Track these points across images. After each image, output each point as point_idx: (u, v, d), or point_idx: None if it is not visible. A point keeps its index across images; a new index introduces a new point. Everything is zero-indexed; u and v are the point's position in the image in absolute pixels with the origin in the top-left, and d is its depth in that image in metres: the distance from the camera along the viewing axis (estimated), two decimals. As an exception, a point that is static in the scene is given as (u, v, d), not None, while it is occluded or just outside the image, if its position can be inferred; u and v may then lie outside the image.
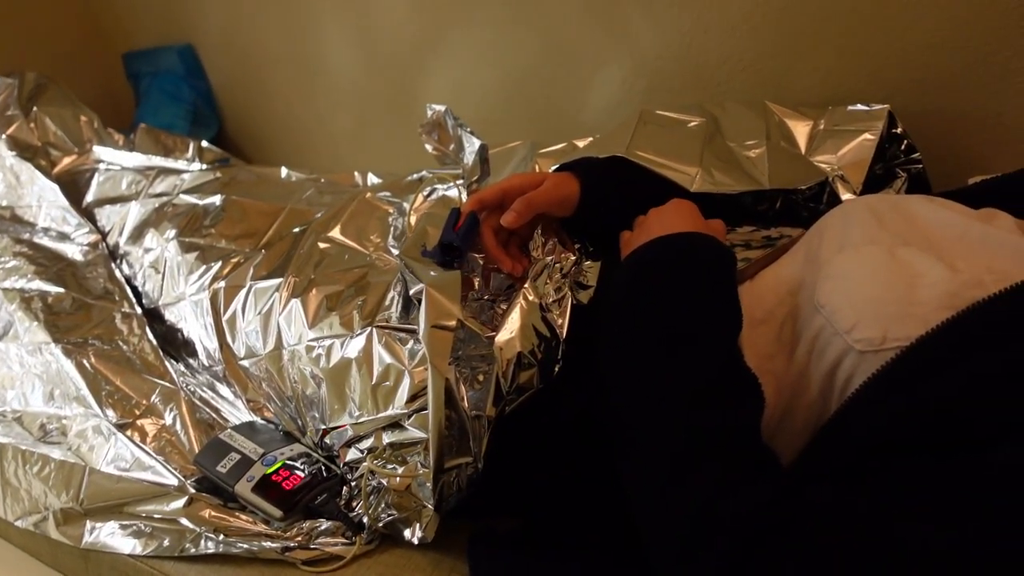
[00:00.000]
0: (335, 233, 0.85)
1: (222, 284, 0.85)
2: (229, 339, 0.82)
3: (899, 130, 0.88)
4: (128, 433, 0.80)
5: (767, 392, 0.57)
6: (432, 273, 0.64)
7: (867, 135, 0.86)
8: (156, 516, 0.73)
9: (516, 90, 1.22)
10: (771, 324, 0.59)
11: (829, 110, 0.92)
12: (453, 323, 0.59)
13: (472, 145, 0.86)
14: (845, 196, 0.84)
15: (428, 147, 0.97)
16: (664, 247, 0.59)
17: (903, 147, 0.89)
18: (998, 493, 0.40)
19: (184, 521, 0.71)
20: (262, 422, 0.83)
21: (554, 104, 1.19)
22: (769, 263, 0.67)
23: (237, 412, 0.85)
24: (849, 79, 0.96)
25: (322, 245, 0.84)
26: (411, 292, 0.65)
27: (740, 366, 0.54)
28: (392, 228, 0.86)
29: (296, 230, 0.89)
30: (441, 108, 0.93)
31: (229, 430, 0.79)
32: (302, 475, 0.74)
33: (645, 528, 0.50)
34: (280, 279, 0.80)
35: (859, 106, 0.90)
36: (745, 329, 0.60)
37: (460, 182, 0.80)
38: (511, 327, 0.61)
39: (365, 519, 0.68)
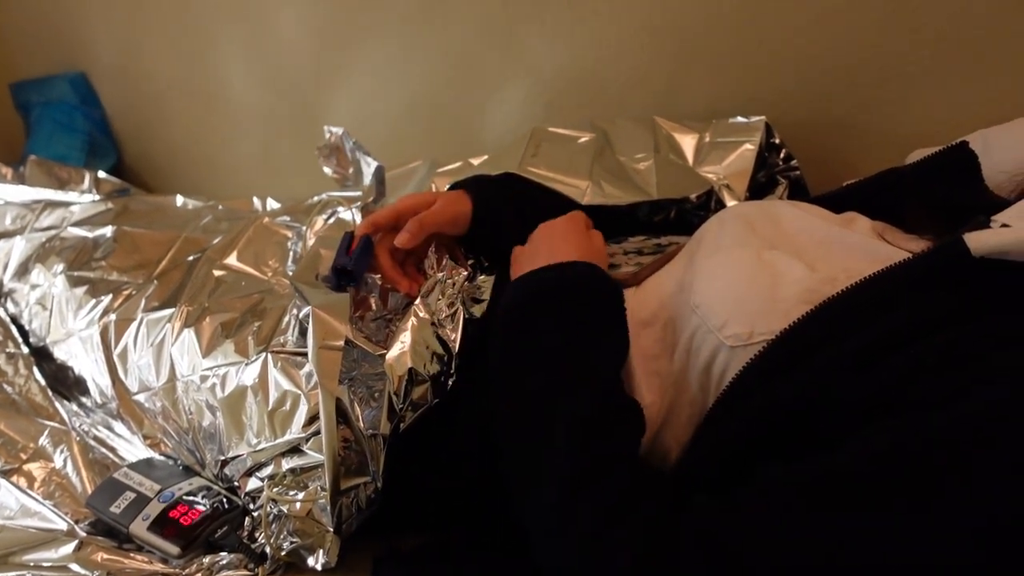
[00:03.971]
0: (231, 260, 0.84)
1: (112, 317, 0.82)
2: (121, 374, 0.80)
3: (777, 140, 0.94)
4: (13, 479, 0.76)
5: (652, 392, 0.60)
6: (321, 295, 0.64)
7: (748, 145, 0.91)
8: (45, 564, 0.69)
9: (419, 110, 1.23)
10: (655, 326, 0.62)
11: (713, 123, 0.96)
12: (340, 342, 0.59)
13: (369, 167, 0.86)
14: (731, 203, 0.88)
15: (327, 170, 0.97)
16: (550, 280, 0.61)
17: (782, 155, 0.94)
18: (853, 491, 0.42)
19: (75, 567, 0.68)
20: (160, 458, 0.80)
21: (457, 123, 1.20)
22: (657, 268, 0.70)
23: (134, 449, 0.82)
24: (731, 93, 1.01)
25: (217, 273, 0.82)
26: (300, 316, 0.64)
27: (620, 395, 0.56)
28: (291, 252, 0.86)
29: (190, 258, 0.87)
30: (339, 131, 0.93)
31: (124, 468, 0.76)
32: (202, 509, 0.72)
33: (540, 554, 0.51)
34: (172, 309, 0.78)
35: (739, 118, 0.95)
36: (633, 331, 0.62)
37: (355, 205, 0.80)
38: (402, 344, 0.62)
39: (268, 549, 0.66)
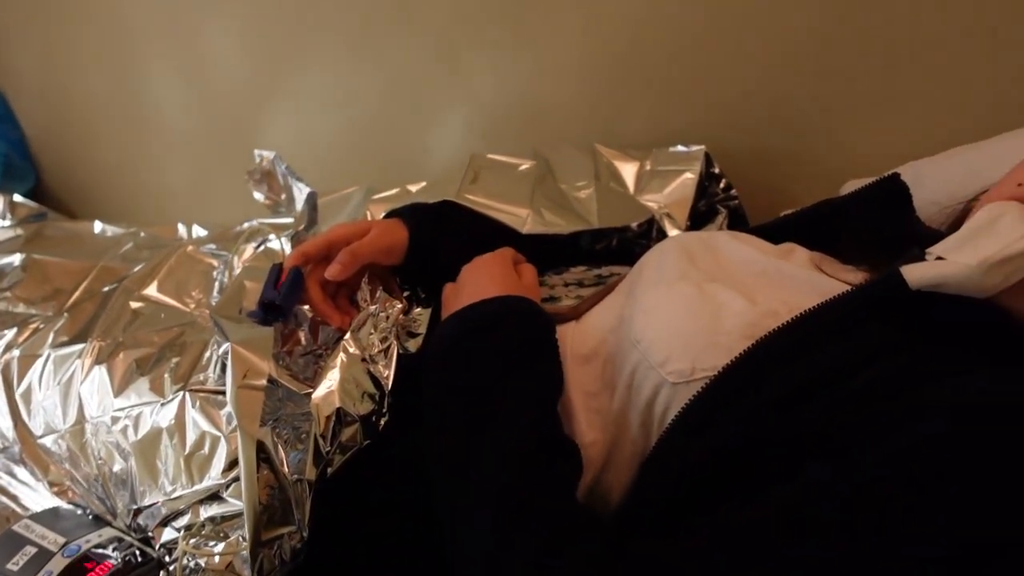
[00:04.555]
0: (150, 291, 0.79)
1: (16, 353, 0.75)
2: (25, 415, 0.73)
3: (716, 169, 0.94)
4: (-102, 534, 0.69)
5: (594, 430, 0.58)
6: (242, 330, 0.60)
7: (688, 174, 0.91)
8: (-70, 630, 0.62)
9: (357, 135, 1.20)
10: (595, 362, 0.60)
11: (654, 152, 0.96)
12: (262, 381, 0.56)
13: (301, 192, 0.83)
14: (672, 232, 0.88)
15: (258, 196, 0.93)
16: (472, 319, 0.59)
17: (722, 185, 0.95)
18: (797, 534, 0.41)
19: (-36, 633, 0.61)
20: (67, 507, 0.74)
21: (395, 149, 1.18)
22: (597, 301, 0.69)
23: (38, 497, 0.75)
24: (672, 122, 1.02)
25: (134, 304, 0.77)
26: (220, 352, 0.60)
27: (556, 435, 0.54)
28: (216, 283, 0.81)
29: (105, 289, 0.81)
30: (270, 154, 0.89)
31: (26, 520, 0.70)
32: (112, 563, 0.66)
33: None
34: (83, 344, 0.72)
35: (680, 147, 0.95)
36: (572, 368, 0.60)
37: (285, 234, 0.76)
38: (330, 382, 0.58)
39: (183, 606, 0.61)
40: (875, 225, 0.64)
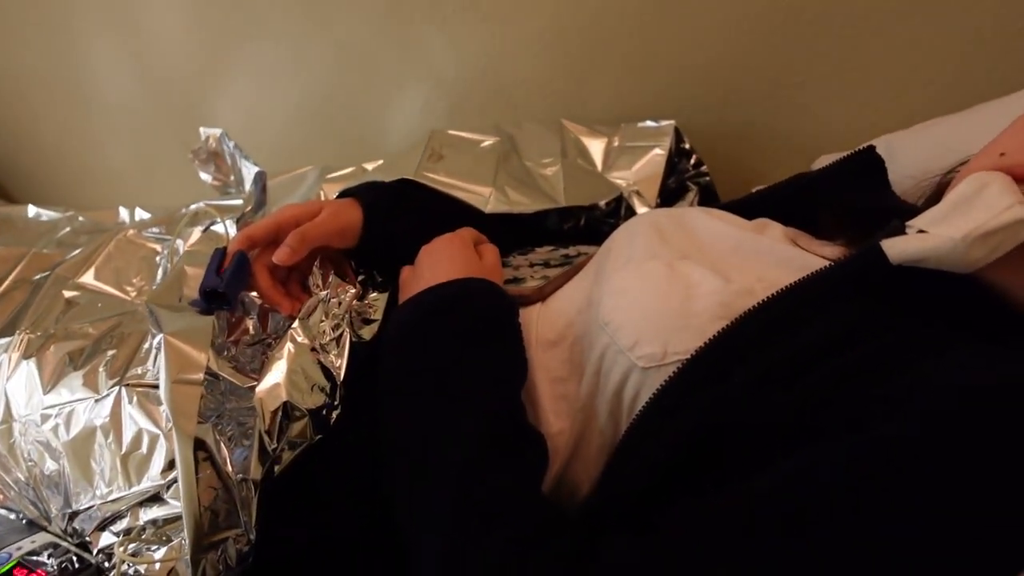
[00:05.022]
0: (87, 279, 0.73)
1: (-62, 348, 0.70)
2: (-52, 415, 0.68)
3: (687, 145, 0.91)
4: None
5: (560, 418, 0.55)
6: (179, 320, 0.55)
7: (657, 150, 0.88)
8: None
9: (311, 112, 1.15)
10: (562, 346, 0.57)
11: (622, 127, 0.93)
12: (199, 375, 0.51)
13: (249, 172, 0.78)
14: (641, 210, 0.85)
15: (205, 176, 0.88)
16: (430, 302, 0.55)
17: (692, 161, 0.92)
18: (776, 524, 0.38)
19: None
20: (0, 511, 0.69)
21: (354, 126, 1.13)
22: (564, 282, 0.65)
23: (-33, 502, 0.70)
24: (639, 97, 0.99)
25: (68, 293, 0.71)
26: (154, 344, 0.56)
27: (519, 421, 0.51)
28: (160, 269, 0.76)
29: (37, 278, 0.76)
30: (216, 132, 0.84)
31: (-48, 526, 0.65)
32: (47, 570, 0.61)
33: None
34: (10, 338, 0.67)
35: (648, 123, 0.92)
36: (538, 352, 0.57)
37: (230, 217, 0.71)
38: (275, 375, 0.54)
39: (123, 616, 0.57)
40: (850, 199, 0.62)
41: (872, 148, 0.65)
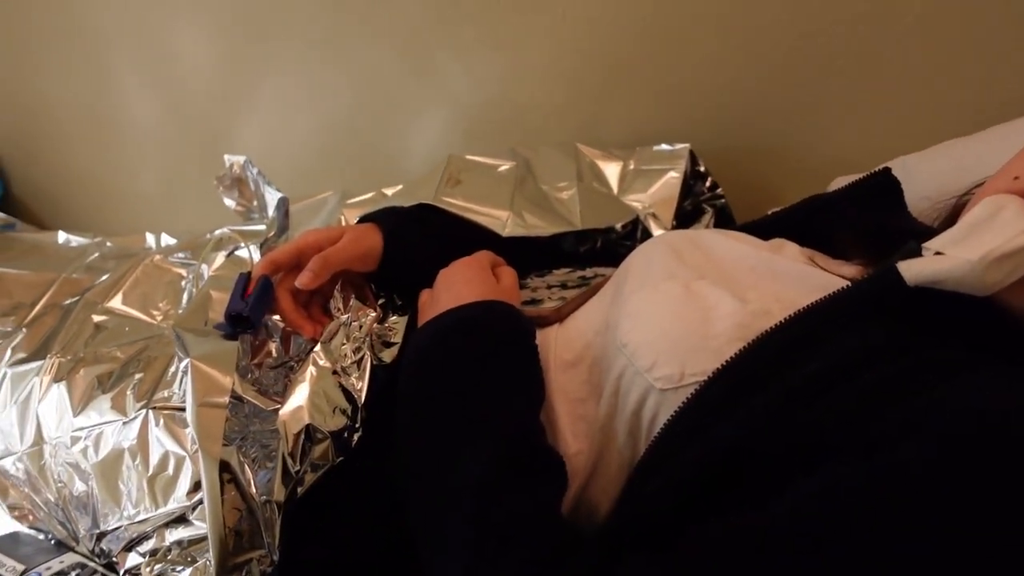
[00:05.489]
0: (115, 303, 0.75)
1: (-29, 372, 0.72)
2: (-19, 437, 0.70)
3: (702, 168, 0.92)
4: None
5: (579, 439, 0.55)
6: (204, 344, 0.57)
7: (672, 173, 0.89)
8: None
9: (332, 139, 1.17)
10: (580, 367, 0.57)
11: (637, 150, 0.94)
12: (225, 399, 0.52)
13: (273, 198, 0.80)
14: (657, 232, 0.85)
15: (229, 202, 0.90)
16: (448, 325, 0.56)
17: (708, 184, 0.93)
18: (797, 548, 0.39)
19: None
20: (28, 531, 0.70)
21: (374, 152, 1.15)
22: (582, 303, 0.66)
23: (-2, 522, 0.72)
24: (654, 120, 1.00)
25: (97, 318, 0.73)
26: (180, 368, 0.57)
27: (537, 443, 0.51)
28: (185, 294, 0.78)
29: (67, 303, 0.78)
30: (240, 159, 0.86)
31: (-17, 547, 0.66)
32: (74, 591, 0.63)
33: None
34: (41, 361, 0.69)
35: (664, 146, 0.93)
36: (556, 373, 0.58)
37: (254, 242, 0.73)
38: (298, 397, 0.55)
39: (148, 636, 0.58)
40: (866, 220, 0.62)
41: (888, 170, 0.65)
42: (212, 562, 0.51)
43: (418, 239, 0.70)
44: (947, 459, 0.38)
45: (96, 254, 0.89)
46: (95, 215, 1.47)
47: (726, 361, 0.47)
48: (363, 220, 0.71)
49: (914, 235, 0.50)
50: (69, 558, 0.66)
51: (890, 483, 0.38)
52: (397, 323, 0.65)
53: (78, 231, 1.01)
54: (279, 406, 0.55)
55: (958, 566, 0.36)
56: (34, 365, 0.69)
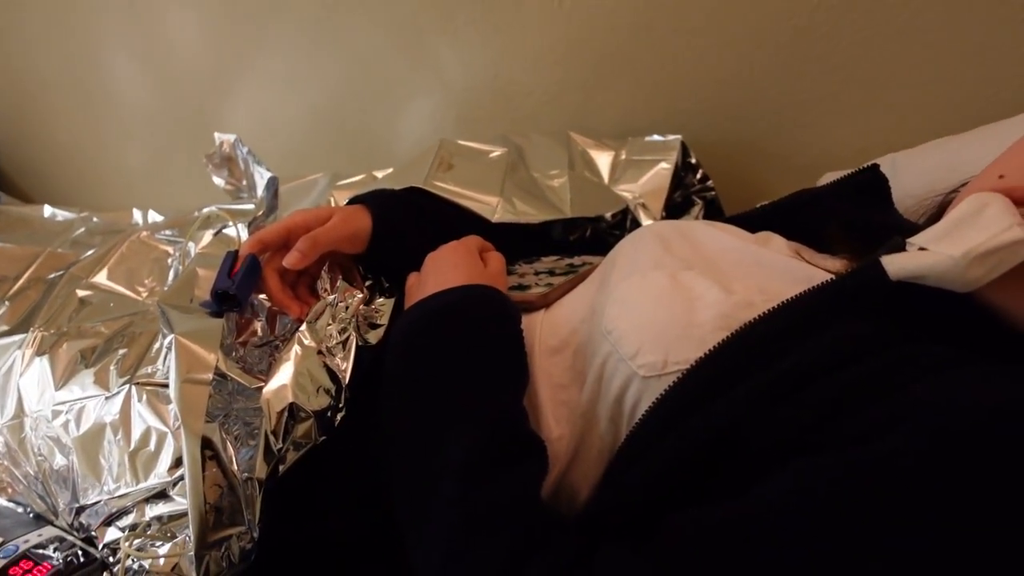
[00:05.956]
0: (100, 279, 0.75)
1: (-48, 344, 0.71)
2: (-39, 409, 0.69)
3: (693, 159, 0.92)
4: None
5: (561, 424, 0.55)
6: (190, 321, 0.56)
7: (663, 164, 0.89)
8: None
9: (323, 119, 1.16)
10: (565, 353, 0.57)
11: (629, 140, 0.94)
12: (208, 375, 0.52)
13: (262, 178, 0.79)
14: (646, 222, 0.86)
15: (218, 181, 0.89)
16: (434, 309, 0.56)
17: (698, 176, 0.93)
18: (774, 538, 0.39)
19: None
20: (7, 504, 0.70)
21: (364, 135, 1.14)
22: (569, 290, 0.66)
23: (-24, 495, 0.71)
24: (646, 111, 1.00)
25: (82, 293, 0.73)
26: (165, 344, 0.57)
27: (520, 427, 0.51)
28: (172, 271, 0.77)
29: (51, 277, 0.77)
30: (230, 138, 0.85)
31: (-39, 519, 0.66)
32: (52, 564, 0.62)
33: None
34: (24, 335, 0.68)
35: (655, 137, 0.93)
36: (540, 359, 0.58)
37: (242, 221, 0.72)
38: (282, 376, 0.55)
39: (126, 610, 0.58)
40: (853, 216, 0.62)
41: (876, 166, 0.66)
42: (192, 537, 0.52)
43: (407, 222, 0.70)
44: (939, 453, 0.38)
45: (82, 229, 0.88)
46: (81, 190, 1.46)
47: (709, 350, 0.48)
48: (353, 201, 0.71)
49: (899, 231, 0.50)
50: (47, 531, 0.66)
51: (878, 475, 0.38)
52: (384, 305, 0.65)
53: (64, 206, 1.00)
54: (263, 384, 0.55)
55: (949, 561, 0.36)
56: (16, 338, 0.69)
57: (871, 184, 0.65)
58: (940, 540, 0.36)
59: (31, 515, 0.69)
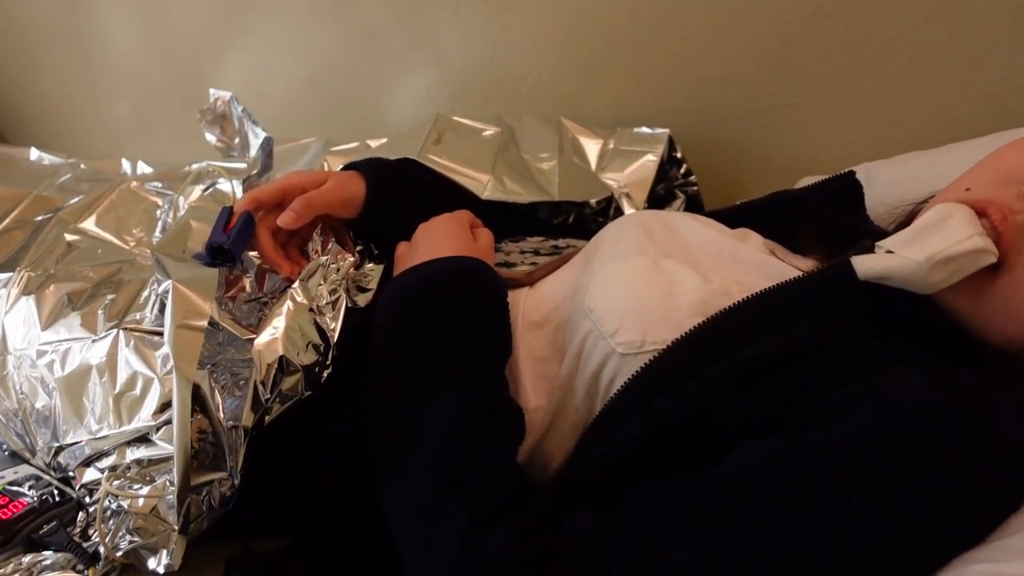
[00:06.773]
0: (88, 224, 0.75)
1: (-64, 279, 0.71)
2: (-58, 344, 0.69)
3: (678, 154, 0.95)
4: None
5: (539, 395, 0.58)
6: (186, 269, 0.58)
7: (650, 156, 0.92)
8: None
9: (319, 85, 1.16)
10: (546, 328, 0.60)
11: (618, 130, 0.96)
12: (203, 323, 0.54)
13: (257, 137, 0.80)
14: (629, 211, 0.88)
15: (210, 137, 0.90)
16: (426, 275, 0.58)
17: (682, 170, 0.96)
18: (729, 508, 0.42)
19: None
20: (-18, 441, 0.70)
21: (357, 105, 1.15)
22: (553, 270, 0.68)
23: (-48, 431, 0.71)
24: (637, 103, 1.02)
25: (70, 237, 0.73)
26: (159, 290, 0.58)
27: (499, 396, 0.54)
28: (160, 222, 0.78)
29: (39, 219, 0.77)
30: (226, 95, 0.86)
31: (-65, 452, 0.66)
32: (27, 501, 0.63)
33: (409, 567, 0.49)
34: (10, 273, 0.68)
35: (644, 129, 0.95)
36: (523, 332, 0.60)
37: (238, 178, 0.73)
38: (274, 329, 0.56)
39: (101, 548, 0.59)
40: (827, 219, 0.66)
41: (852, 173, 0.69)
42: (175, 480, 0.53)
43: (400, 192, 0.71)
44: (879, 439, 0.41)
45: (69, 175, 0.88)
46: (63, 136, 1.44)
47: (685, 333, 0.51)
48: (348, 167, 0.72)
49: (869, 236, 0.54)
50: (24, 469, 0.66)
51: (821, 453, 0.42)
52: (373, 271, 0.66)
53: (49, 150, 0.99)
54: (254, 336, 0.56)
55: (876, 534, 0.40)
56: (2, 277, 0.69)
57: (847, 190, 0.69)
58: (871, 516, 0.40)
59: (7, 452, 0.69)
